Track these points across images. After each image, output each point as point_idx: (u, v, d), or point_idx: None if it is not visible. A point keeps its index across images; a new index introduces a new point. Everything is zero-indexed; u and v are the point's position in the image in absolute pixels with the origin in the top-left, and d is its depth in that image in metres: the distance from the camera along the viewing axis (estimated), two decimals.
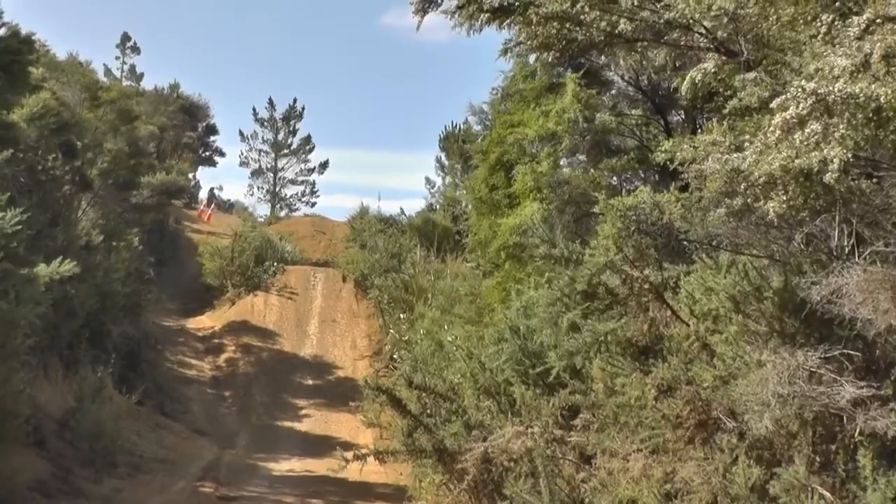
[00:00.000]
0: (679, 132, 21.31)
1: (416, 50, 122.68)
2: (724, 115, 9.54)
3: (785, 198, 8.52)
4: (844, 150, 7.80)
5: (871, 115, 7.66)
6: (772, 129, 8.23)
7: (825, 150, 7.81)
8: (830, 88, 7.76)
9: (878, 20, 8.05)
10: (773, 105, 8.31)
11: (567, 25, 12.19)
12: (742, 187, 8.78)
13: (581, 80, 23.46)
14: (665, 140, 19.68)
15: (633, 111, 25.03)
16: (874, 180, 9.25)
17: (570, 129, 23.89)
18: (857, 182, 8.73)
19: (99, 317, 31.72)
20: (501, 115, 27.71)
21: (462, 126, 50.84)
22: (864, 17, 8.14)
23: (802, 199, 8.46)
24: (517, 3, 11.83)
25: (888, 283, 10.07)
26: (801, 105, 7.92)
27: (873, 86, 7.60)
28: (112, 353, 32.71)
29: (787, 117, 8.04)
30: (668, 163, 11.69)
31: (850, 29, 8.20)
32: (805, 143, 7.88)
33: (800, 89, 7.93)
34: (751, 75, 10.01)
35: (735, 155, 8.76)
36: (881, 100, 7.58)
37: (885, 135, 7.81)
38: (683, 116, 23.64)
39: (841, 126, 7.72)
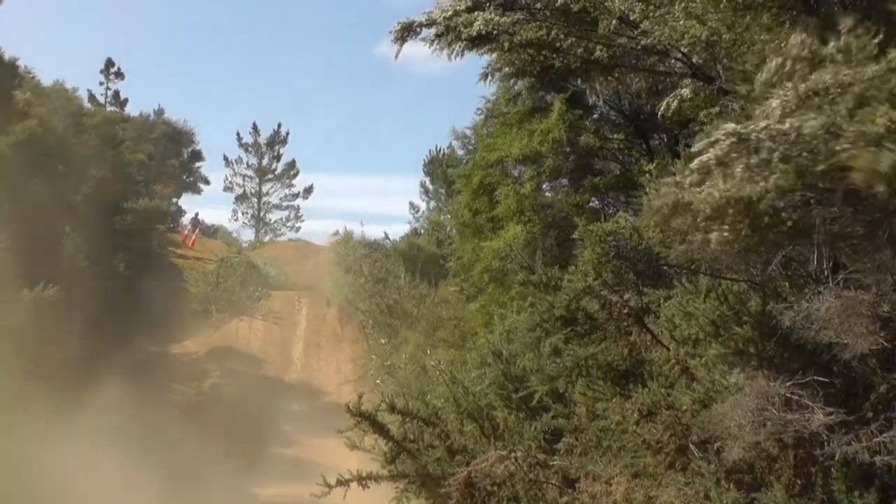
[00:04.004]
0: (661, 156, 21.39)
1: (406, 79, 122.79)
2: (692, 153, 9.59)
3: (727, 228, 8.54)
4: (784, 180, 7.86)
5: (802, 149, 7.75)
6: (688, 172, 8.31)
7: (769, 180, 7.88)
8: (752, 127, 7.87)
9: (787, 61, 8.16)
10: (694, 148, 8.39)
11: (543, 52, 12.30)
12: (696, 220, 8.79)
13: (566, 102, 23.57)
14: (647, 163, 19.79)
15: (616, 135, 25.13)
16: (826, 210, 9.27)
17: (555, 150, 23.99)
18: (811, 211, 8.78)
19: (84, 342, 31.69)
20: (485, 139, 27.80)
21: (446, 151, 51.01)
22: (778, 61, 8.24)
23: (749, 230, 8.48)
24: (494, 32, 11.92)
25: (864, 307, 10.13)
26: (718, 146, 8.01)
27: (806, 118, 7.71)
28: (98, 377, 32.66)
29: (705, 159, 8.12)
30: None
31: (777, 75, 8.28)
32: (739, 177, 7.96)
33: (721, 130, 8.02)
34: (715, 109, 10.09)
35: (676, 186, 8.80)
36: (807, 134, 7.67)
37: (820, 166, 7.87)
38: (665, 140, 23.74)
39: (775, 158, 7.80)
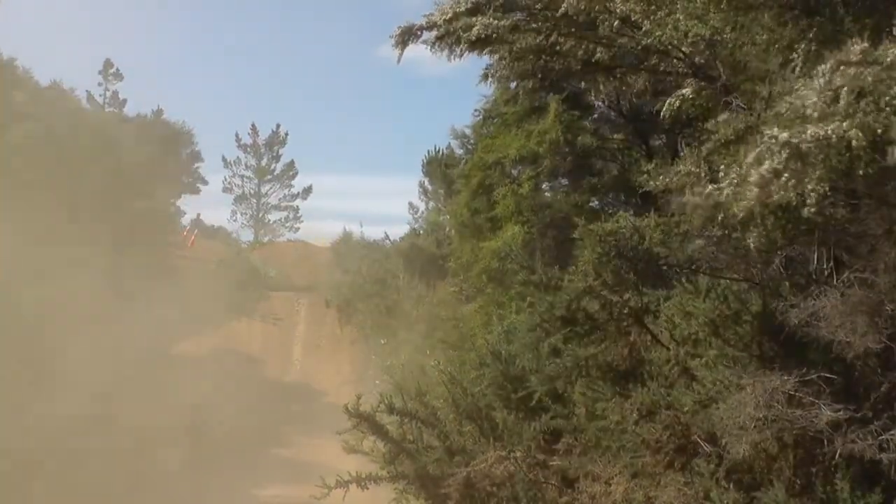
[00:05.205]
0: (660, 156, 21.37)
1: (406, 80, 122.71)
2: (701, 149, 9.59)
3: (763, 231, 8.58)
4: (822, 185, 7.89)
5: (843, 153, 7.76)
6: (749, 185, 8.30)
7: (808, 185, 7.90)
8: (803, 136, 7.87)
9: (842, 66, 8.13)
10: (748, 160, 8.35)
11: (544, 57, 12.31)
12: (720, 218, 8.83)
13: (563, 103, 23.57)
14: (646, 164, 19.78)
15: (615, 135, 25.11)
16: (848, 209, 9.33)
17: (552, 150, 24.01)
18: (833, 211, 8.81)
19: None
20: (483, 139, 27.82)
21: (445, 151, 50.90)
22: (829, 64, 8.22)
23: (780, 232, 8.53)
24: (494, 35, 11.94)
25: (866, 306, 10.15)
26: (776, 159, 8.01)
27: (844, 124, 7.71)
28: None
29: (763, 173, 8.12)
30: (647, 187, 11.74)
31: (818, 78, 8.27)
32: (783, 185, 7.98)
33: (773, 139, 8.01)
34: (722, 116, 10.07)
35: (715, 188, 8.80)
36: (853, 142, 7.69)
37: (857, 168, 7.90)
38: (665, 140, 23.71)
39: (818, 168, 7.83)
